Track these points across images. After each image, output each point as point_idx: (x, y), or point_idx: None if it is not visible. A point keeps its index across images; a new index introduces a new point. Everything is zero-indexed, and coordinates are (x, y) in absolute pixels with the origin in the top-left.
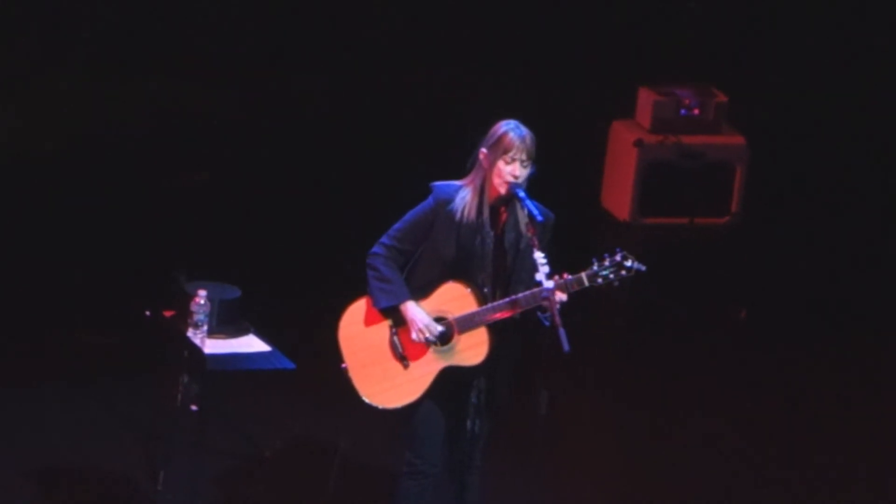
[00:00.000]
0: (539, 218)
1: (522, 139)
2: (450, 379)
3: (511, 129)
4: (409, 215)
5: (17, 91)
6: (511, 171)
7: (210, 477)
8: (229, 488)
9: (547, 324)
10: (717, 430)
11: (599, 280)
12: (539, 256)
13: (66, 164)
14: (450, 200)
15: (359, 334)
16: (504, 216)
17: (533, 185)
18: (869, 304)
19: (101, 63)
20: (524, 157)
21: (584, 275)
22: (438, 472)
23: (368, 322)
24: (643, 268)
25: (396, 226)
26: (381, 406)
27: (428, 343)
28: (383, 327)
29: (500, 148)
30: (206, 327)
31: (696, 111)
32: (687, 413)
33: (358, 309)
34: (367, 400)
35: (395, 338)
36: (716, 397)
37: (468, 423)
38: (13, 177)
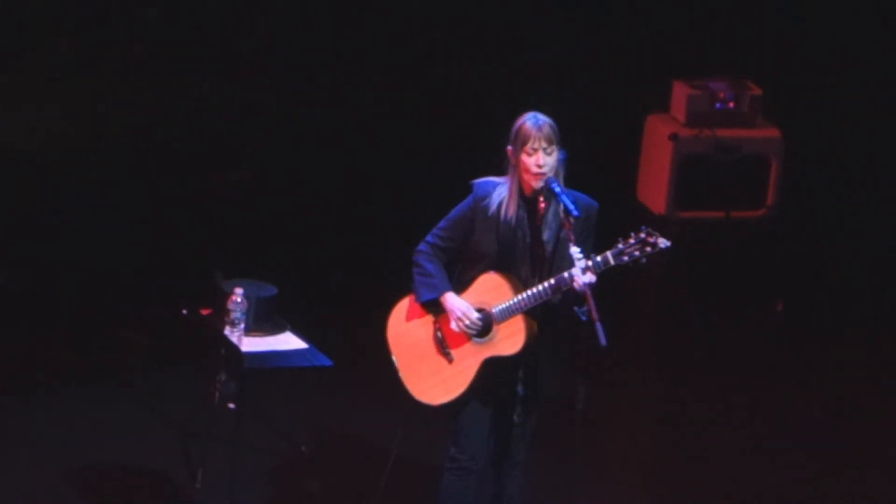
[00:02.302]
0: (575, 213)
1: (539, 128)
2: (493, 372)
3: (527, 120)
4: (451, 213)
5: (57, 91)
6: (535, 161)
7: (248, 474)
8: (267, 485)
9: (584, 318)
10: (755, 422)
11: (626, 258)
12: (575, 251)
13: (104, 163)
14: (486, 197)
15: (405, 332)
16: (543, 208)
17: (569, 179)
18: None
19: (139, 63)
20: (544, 144)
21: (609, 254)
22: (481, 468)
23: (414, 319)
24: (668, 243)
25: (440, 224)
26: (430, 403)
27: (468, 332)
28: (427, 323)
29: (519, 141)
30: (242, 325)
31: (731, 104)
32: (725, 406)
33: (403, 308)
34: (417, 398)
35: (439, 332)
36: (753, 390)
37: (514, 416)
38: (54, 175)
